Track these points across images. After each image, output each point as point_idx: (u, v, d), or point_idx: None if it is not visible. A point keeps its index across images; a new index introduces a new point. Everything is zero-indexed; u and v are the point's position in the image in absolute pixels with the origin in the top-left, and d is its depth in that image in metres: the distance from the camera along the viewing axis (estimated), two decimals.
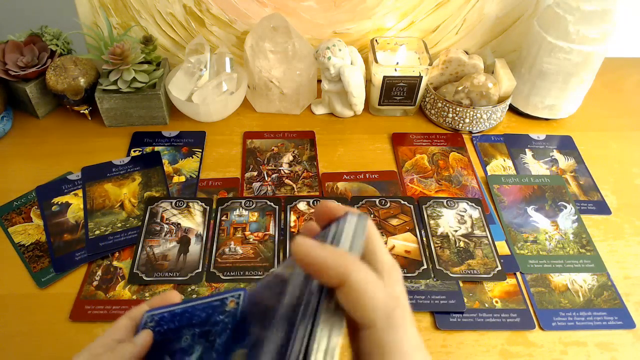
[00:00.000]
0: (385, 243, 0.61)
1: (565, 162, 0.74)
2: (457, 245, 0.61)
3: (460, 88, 0.76)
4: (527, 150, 0.76)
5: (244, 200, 0.66)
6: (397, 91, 0.77)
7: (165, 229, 0.62)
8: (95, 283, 0.57)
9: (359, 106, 0.77)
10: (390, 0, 0.79)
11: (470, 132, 0.78)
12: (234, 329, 0.35)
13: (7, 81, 0.74)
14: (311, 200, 0.66)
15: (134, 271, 0.58)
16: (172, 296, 0.38)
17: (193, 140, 0.75)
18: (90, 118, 0.78)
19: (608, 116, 0.83)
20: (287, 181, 0.69)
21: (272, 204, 0.65)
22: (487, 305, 0.56)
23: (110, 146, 0.73)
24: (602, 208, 0.68)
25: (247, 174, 0.70)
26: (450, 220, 0.64)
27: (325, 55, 0.73)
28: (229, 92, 0.75)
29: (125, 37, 0.75)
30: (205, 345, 0.35)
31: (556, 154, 0.75)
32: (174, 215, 0.63)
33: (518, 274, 0.59)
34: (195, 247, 0.60)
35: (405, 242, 0.61)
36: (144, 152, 0.73)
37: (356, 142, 0.76)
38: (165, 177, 0.69)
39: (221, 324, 0.36)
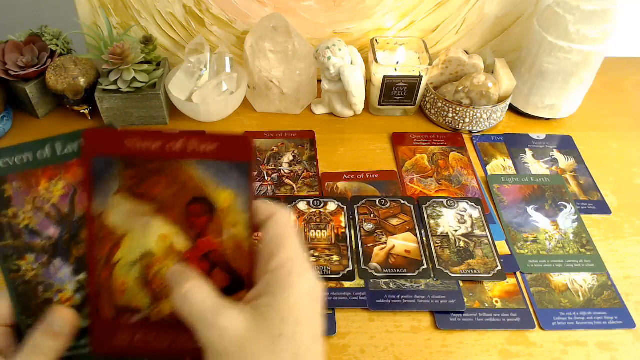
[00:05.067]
0: (385, 243, 0.61)
1: (565, 162, 0.74)
2: (457, 245, 0.61)
3: (460, 88, 0.76)
4: (527, 150, 0.76)
5: None
6: (397, 91, 0.77)
7: None
8: None
9: (359, 106, 0.77)
10: (390, 0, 0.79)
11: (470, 132, 0.78)
12: None
13: (7, 81, 0.74)
14: (311, 200, 0.66)
15: None
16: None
17: None
18: (90, 118, 0.78)
19: (608, 116, 0.83)
20: (287, 181, 0.69)
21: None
22: (487, 305, 0.56)
23: None
24: (602, 208, 0.68)
25: None
26: (450, 220, 0.64)
27: (325, 55, 0.73)
28: (229, 92, 0.75)
29: (125, 37, 0.75)
30: None
31: (556, 154, 0.75)
32: None
33: (518, 273, 0.59)
34: None
35: (405, 242, 0.61)
36: None
37: (356, 142, 0.76)
38: None
39: None
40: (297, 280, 0.28)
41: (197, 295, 0.29)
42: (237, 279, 0.32)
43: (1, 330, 0.32)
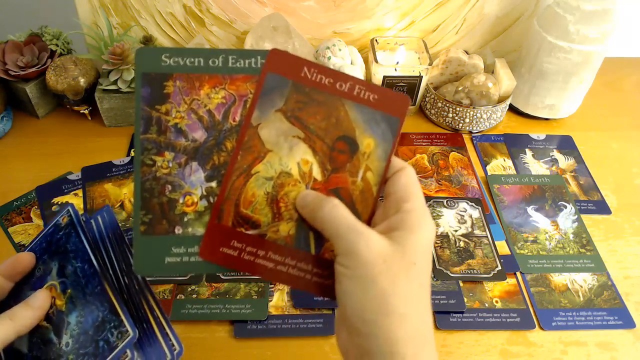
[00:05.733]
0: None
1: (565, 162, 0.74)
2: (457, 245, 0.61)
3: (460, 88, 0.76)
4: (527, 150, 0.76)
5: None
6: (397, 91, 0.77)
7: None
8: None
9: None
10: (390, 0, 0.79)
11: (470, 132, 0.78)
12: (80, 230, 0.37)
13: (7, 81, 0.74)
14: None
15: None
16: (22, 257, 0.38)
17: None
18: (90, 118, 0.78)
19: (608, 116, 0.83)
20: None
21: None
22: (487, 305, 0.56)
23: (111, 146, 0.73)
24: (602, 208, 0.68)
25: None
26: (450, 220, 0.64)
27: (325, 55, 0.73)
28: None
29: (125, 37, 0.75)
30: (59, 258, 0.37)
31: (556, 154, 0.75)
32: None
33: (518, 273, 0.59)
34: None
35: None
36: None
37: None
38: None
39: (64, 236, 0.38)
40: (426, 225, 0.32)
41: (343, 213, 0.31)
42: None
43: None
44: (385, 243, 0.30)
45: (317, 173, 0.33)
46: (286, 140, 0.33)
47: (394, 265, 0.29)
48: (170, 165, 0.33)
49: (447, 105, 0.76)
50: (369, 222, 0.33)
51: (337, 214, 0.31)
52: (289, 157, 0.33)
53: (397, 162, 0.34)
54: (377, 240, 0.30)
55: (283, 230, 0.33)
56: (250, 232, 0.33)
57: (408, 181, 0.33)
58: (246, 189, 0.33)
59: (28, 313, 0.34)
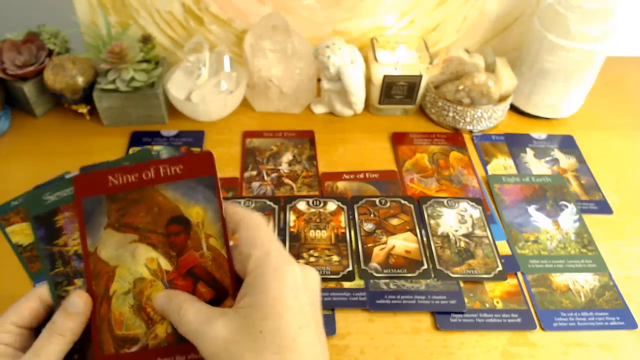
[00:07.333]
0: (385, 243, 0.61)
1: (566, 162, 0.74)
2: (458, 245, 0.61)
3: (460, 87, 0.76)
4: (528, 149, 0.75)
5: (243, 200, 0.65)
6: (397, 90, 0.76)
7: None
8: None
9: (359, 105, 0.77)
10: None
11: (471, 131, 0.77)
12: None
13: (5, 80, 0.74)
14: (311, 200, 0.65)
15: None
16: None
17: (192, 140, 0.75)
18: (88, 117, 0.77)
19: (610, 115, 0.83)
20: (286, 181, 0.69)
21: (271, 203, 0.65)
22: (487, 305, 0.56)
23: (109, 145, 0.73)
24: (603, 208, 0.67)
25: (246, 174, 0.70)
26: (451, 220, 0.64)
27: (324, 54, 0.72)
28: (228, 91, 0.74)
29: (124, 36, 0.74)
30: None
31: (557, 153, 0.75)
32: None
33: (519, 274, 0.59)
34: None
35: (406, 242, 0.61)
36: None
37: (356, 142, 0.76)
38: None
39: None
40: (275, 276, 0.30)
41: (188, 314, 0.31)
42: (222, 288, 0.33)
43: (25, 333, 0.34)
44: (226, 326, 0.29)
45: (165, 265, 0.34)
46: (125, 249, 0.34)
47: (236, 347, 0.29)
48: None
49: (448, 104, 0.75)
50: (234, 283, 0.33)
51: (183, 323, 0.31)
52: (135, 263, 0.34)
53: (234, 215, 0.33)
54: (218, 331, 0.29)
55: (161, 332, 0.33)
56: (133, 349, 0.33)
57: (247, 234, 0.32)
58: (112, 312, 0.34)
59: (68, 324, 0.33)
